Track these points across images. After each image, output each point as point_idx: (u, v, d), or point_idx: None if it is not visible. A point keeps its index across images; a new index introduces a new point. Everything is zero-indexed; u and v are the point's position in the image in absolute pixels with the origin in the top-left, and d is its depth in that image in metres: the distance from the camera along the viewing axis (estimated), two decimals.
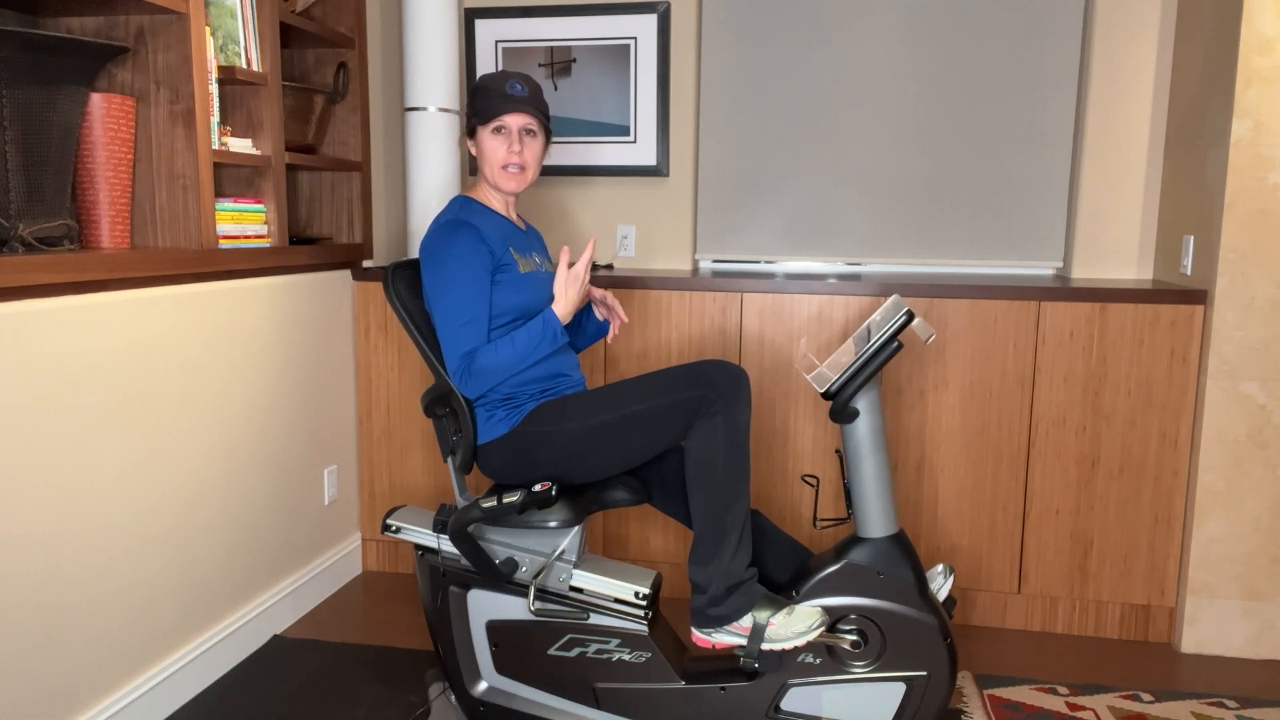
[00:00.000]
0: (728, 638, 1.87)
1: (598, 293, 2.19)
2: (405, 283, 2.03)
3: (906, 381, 2.65)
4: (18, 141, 1.83)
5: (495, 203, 2.09)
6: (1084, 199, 2.89)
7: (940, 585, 1.96)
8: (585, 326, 2.24)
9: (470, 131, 2.06)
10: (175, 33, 2.11)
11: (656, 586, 1.95)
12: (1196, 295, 2.47)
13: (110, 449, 1.96)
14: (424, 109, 2.76)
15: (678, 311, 2.75)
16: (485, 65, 3.14)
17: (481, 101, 2.01)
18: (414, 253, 2.83)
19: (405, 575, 3.03)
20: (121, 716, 2.01)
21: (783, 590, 1.98)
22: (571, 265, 1.97)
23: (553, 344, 1.93)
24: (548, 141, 2.10)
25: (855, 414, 1.91)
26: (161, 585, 2.14)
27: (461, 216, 1.97)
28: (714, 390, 1.83)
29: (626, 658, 1.94)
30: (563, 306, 1.95)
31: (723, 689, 1.92)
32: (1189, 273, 2.58)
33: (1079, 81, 2.88)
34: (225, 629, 2.37)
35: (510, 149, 2.01)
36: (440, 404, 1.99)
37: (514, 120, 2.01)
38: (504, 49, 3.13)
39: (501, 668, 2.00)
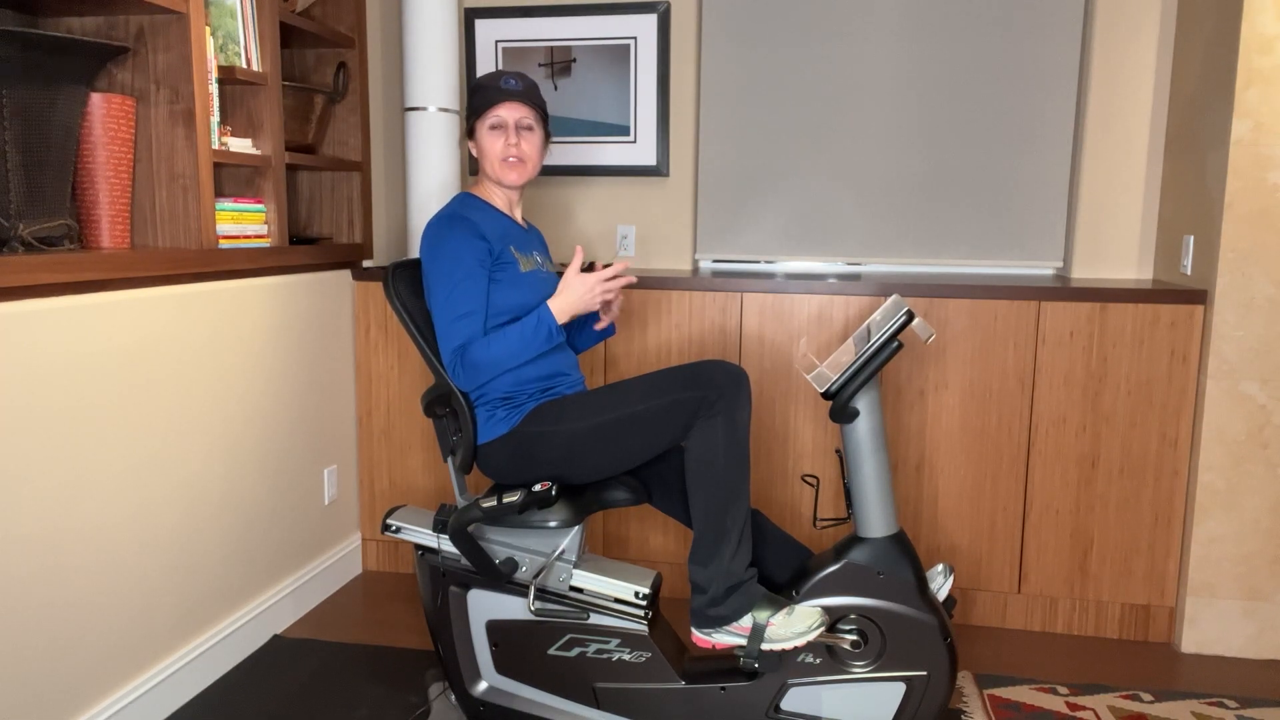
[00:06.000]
0: (728, 638, 1.87)
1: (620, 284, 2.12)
2: (405, 282, 2.03)
3: (906, 381, 2.65)
4: (18, 141, 1.83)
5: (498, 200, 2.09)
6: (1084, 199, 2.89)
7: (940, 585, 1.96)
8: (586, 329, 2.23)
9: (469, 132, 2.06)
10: (175, 33, 2.11)
11: (656, 586, 1.95)
12: (1196, 295, 2.47)
13: (110, 449, 1.96)
14: (424, 109, 2.76)
15: (678, 311, 2.75)
16: (485, 65, 3.14)
17: (477, 100, 2.02)
18: (414, 252, 2.83)
19: (405, 575, 3.03)
20: (121, 716, 2.01)
21: (783, 590, 1.98)
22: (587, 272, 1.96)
23: (547, 341, 1.92)
24: (547, 136, 2.09)
25: (855, 414, 1.91)
26: (162, 585, 2.14)
27: (459, 211, 1.97)
28: (714, 390, 1.83)
29: (626, 658, 1.94)
30: (560, 304, 1.93)
31: (723, 689, 1.92)
32: (1189, 273, 2.58)
33: (1079, 81, 2.88)
34: (225, 629, 2.37)
35: (507, 142, 2.01)
36: (440, 404, 1.99)
37: (508, 113, 2.01)
38: (504, 49, 3.13)
39: (501, 668, 2.00)
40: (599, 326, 2.18)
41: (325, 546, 2.85)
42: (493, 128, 2.02)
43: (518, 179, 2.04)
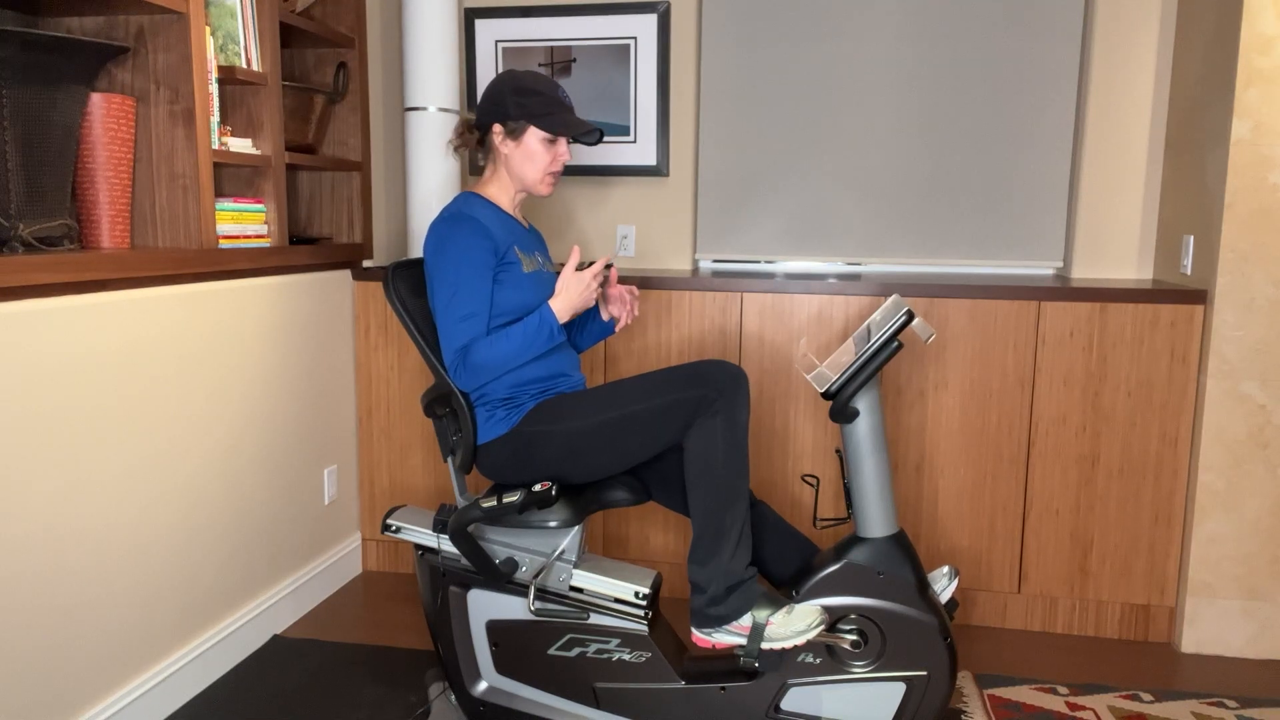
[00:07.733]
0: (728, 637, 1.87)
1: (619, 289, 2.18)
2: (406, 282, 2.03)
3: (906, 381, 2.65)
4: (18, 141, 1.83)
5: (503, 201, 2.09)
6: (1084, 199, 2.89)
7: (945, 587, 1.97)
8: (588, 327, 2.23)
9: (513, 131, 2.00)
10: (175, 33, 2.11)
11: (656, 586, 1.95)
12: (1196, 295, 2.47)
13: (110, 449, 1.96)
14: (424, 109, 2.76)
15: (678, 311, 2.75)
16: (485, 65, 3.14)
17: (539, 106, 1.97)
18: (414, 252, 2.83)
19: (405, 575, 3.03)
20: (121, 716, 2.01)
21: (783, 587, 1.98)
22: (582, 270, 1.97)
23: (549, 341, 1.92)
24: None
25: (855, 414, 1.91)
26: (162, 585, 2.14)
27: (465, 210, 1.97)
28: (714, 390, 1.83)
29: (626, 658, 1.94)
30: (561, 303, 1.93)
31: (723, 689, 1.92)
32: (1189, 273, 2.58)
33: (1079, 81, 2.88)
34: (225, 629, 2.37)
35: (558, 158, 2.02)
36: (440, 404, 1.99)
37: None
38: (504, 49, 3.13)
39: (501, 668, 2.00)
40: (605, 317, 2.19)
41: (325, 546, 2.85)
42: (549, 141, 2.00)
43: (549, 192, 2.07)
